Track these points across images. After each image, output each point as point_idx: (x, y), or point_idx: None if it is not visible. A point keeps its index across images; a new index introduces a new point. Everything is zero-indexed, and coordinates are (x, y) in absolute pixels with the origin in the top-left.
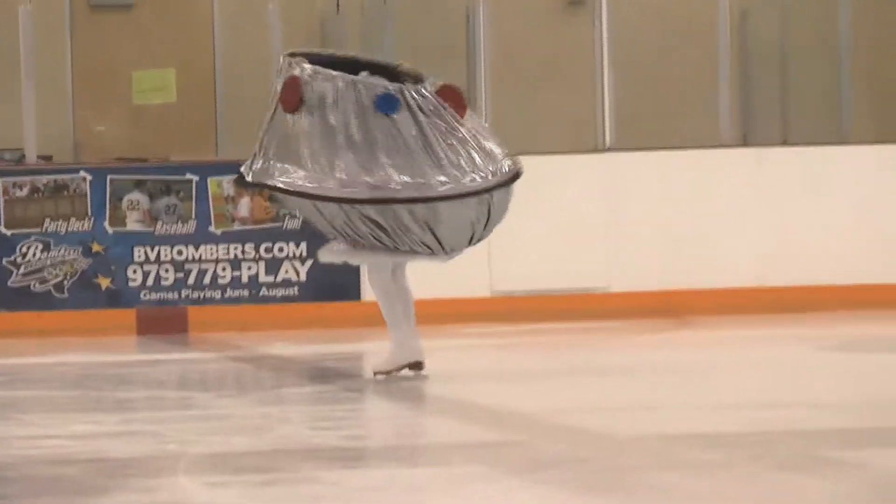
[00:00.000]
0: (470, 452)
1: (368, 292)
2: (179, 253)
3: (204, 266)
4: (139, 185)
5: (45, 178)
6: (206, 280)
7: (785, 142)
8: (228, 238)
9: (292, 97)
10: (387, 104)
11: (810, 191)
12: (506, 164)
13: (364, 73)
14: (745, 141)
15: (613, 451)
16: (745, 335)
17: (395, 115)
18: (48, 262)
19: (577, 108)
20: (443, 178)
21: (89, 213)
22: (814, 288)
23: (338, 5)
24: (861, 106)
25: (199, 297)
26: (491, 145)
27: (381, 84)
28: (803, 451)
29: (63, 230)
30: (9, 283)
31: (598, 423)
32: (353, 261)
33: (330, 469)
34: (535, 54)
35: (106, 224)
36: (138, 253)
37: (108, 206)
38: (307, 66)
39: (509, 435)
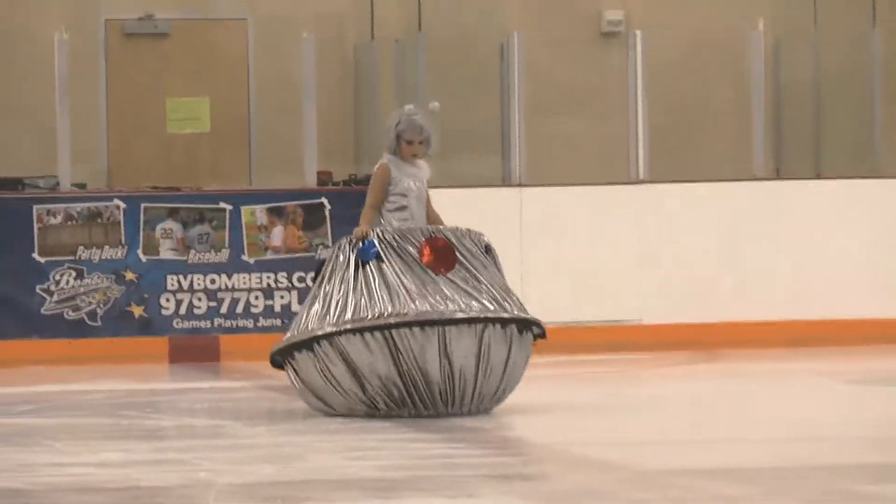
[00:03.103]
0: (498, 484)
1: None
2: (212, 281)
3: (236, 295)
4: (172, 213)
5: (78, 206)
6: (239, 309)
7: (818, 175)
8: (261, 267)
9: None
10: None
11: (841, 224)
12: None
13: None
14: (777, 174)
15: (637, 485)
16: (773, 369)
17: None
18: (81, 290)
19: (611, 139)
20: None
21: (123, 241)
22: (843, 322)
23: (372, 36)
24: (894, 138)
25: (231, 325)
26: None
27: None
28: (827, 485)
29: (96, 258)
30: (42, 311)
31: (623, 457)
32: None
33: (362, 499)
34: (568, 86)
35: (139, 252)
36: (171, 281)
37: (141, 234)
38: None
39: (535, 467)
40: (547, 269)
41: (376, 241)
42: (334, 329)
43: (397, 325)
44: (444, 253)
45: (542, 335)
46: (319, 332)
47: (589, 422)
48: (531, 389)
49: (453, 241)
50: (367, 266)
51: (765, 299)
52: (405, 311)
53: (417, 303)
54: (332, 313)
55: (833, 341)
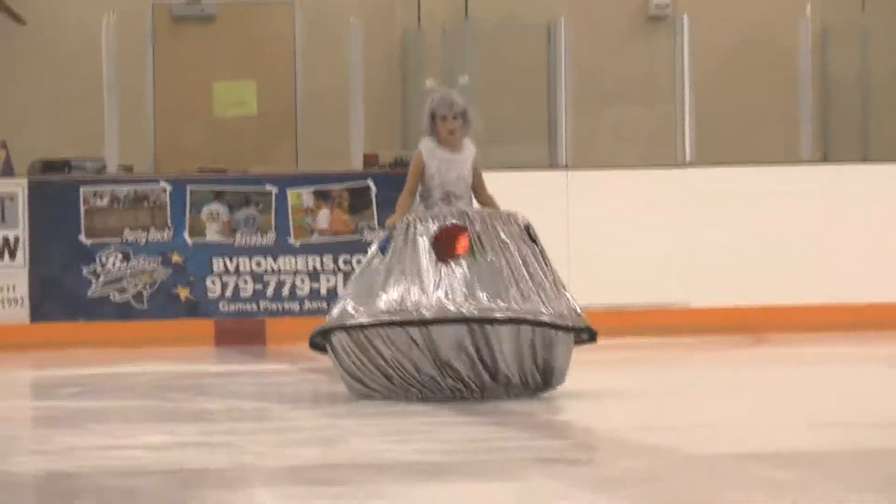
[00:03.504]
0: (543, 468)
1: None
2: (258, 264)
3: (283, 278)
4: (219, 196)
5: (125, 189)
6: (285, 292)
7: (864, 159)
8: (307, 250)
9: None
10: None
11: (889, 208)
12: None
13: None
14: (824, 158)
15: (687, 470)
16: (821, 353)
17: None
18: (128, 272)
19: (657, 123)
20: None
21: (169, 224)
22: (891, 305)
23: (419, 21)
24: None
25: (277, 308)
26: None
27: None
28: (881, 470)
29: (143, 240)
30: (88, 293)
31: (672, 441)
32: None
33: (403, 482)
34: (615, 70)
35: (185, 235)
36: (217, 264)
37: (187, 216)
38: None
39: (582, 452)
40: (593, 251)
41: (397, 232)
42: (346, 322)
43: (375, 325)
44: (449, 241)
45: (582, 331)
46: (338, 324)
47: (636, 406)
48: (577, 373)
49: (476, 226)
50: (384, 257)
51: (812, 283)
52: (389, 307)
53: (411, 295)
54: (347, 302)
55: (881, 325)
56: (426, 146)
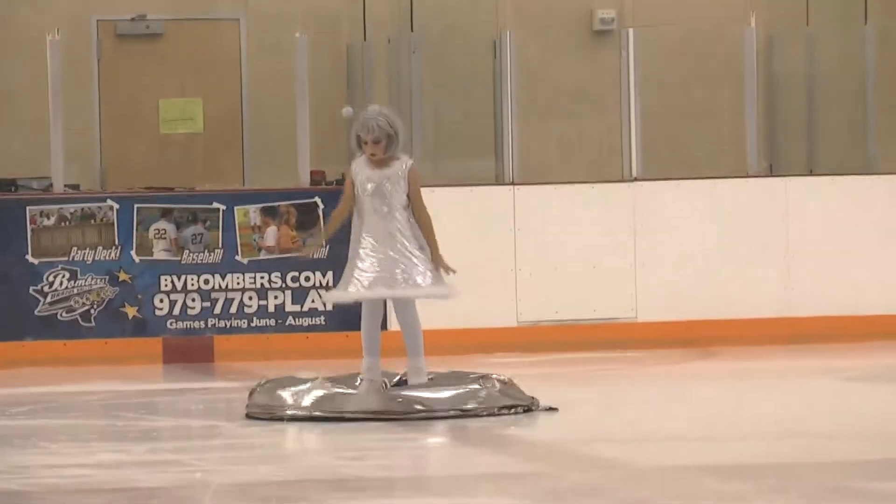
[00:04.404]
0: (494, 483)
1: (394, 323)
2: (206, 282)
3: (230, 295)
4: (166, 213)
5: (72, 207)
6: (233, 309)
7: (811, 171)
8: (255, 267)
9: None
10: None
11: (835, 220)
12: None
13: None
14: (771, 171)
15: (635, 482)
16: (768, 366)
17: None
18: (75, 291)
19: (603, 137)
20: None
21: (116, 242)
22: (839, 318)
23: (364, 34)
24: (887, 135)
25: (225, 325)
26: None
27: None
28: (825, 482)
29: (90, 259)
30: (35, 312)
31: (620, 454)
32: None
33: (357, 499)
34: (561, 83)
35: (133, 253)
36: (165, 282)
37: (134, 234)
38: None
39: (532, 465)
40: (541, 267)
41: None
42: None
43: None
44: None
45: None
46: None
47: (586, 419)
48: (527, 388)
49: None
50: None
51: (759, 296)
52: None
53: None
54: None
55: (828, 338)
56: (357, 163)
